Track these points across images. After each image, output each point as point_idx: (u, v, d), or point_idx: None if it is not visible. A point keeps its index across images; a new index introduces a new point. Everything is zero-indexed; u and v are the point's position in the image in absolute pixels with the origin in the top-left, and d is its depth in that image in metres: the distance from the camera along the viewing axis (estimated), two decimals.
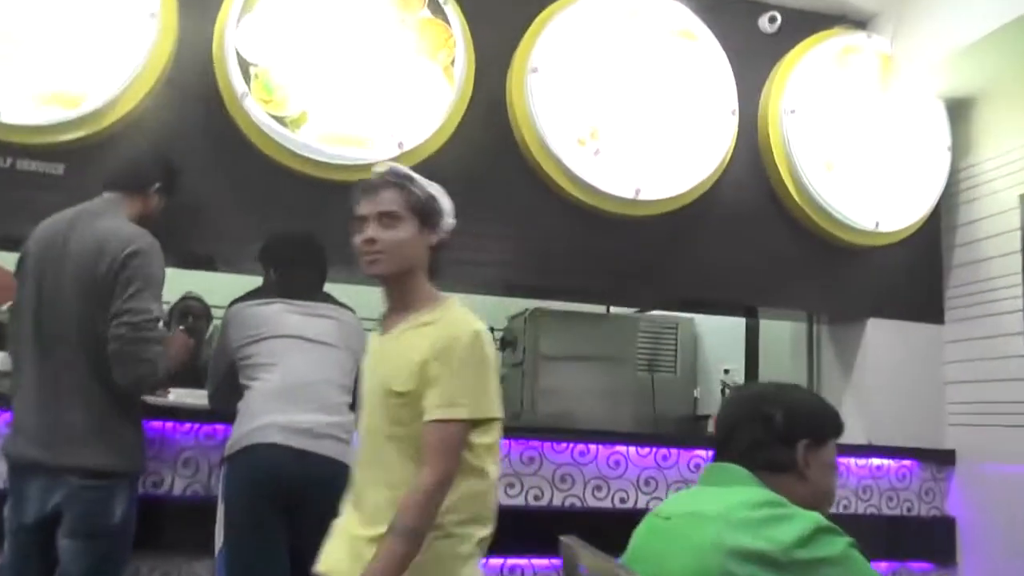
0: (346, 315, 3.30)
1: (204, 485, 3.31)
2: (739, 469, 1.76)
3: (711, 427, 4.23)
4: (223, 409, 3.12)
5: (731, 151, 4.21)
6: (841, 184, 4.22)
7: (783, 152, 4.22)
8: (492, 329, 5.58)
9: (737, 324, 5.33)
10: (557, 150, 3.87)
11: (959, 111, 4.45)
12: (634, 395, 5.40)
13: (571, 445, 3.85)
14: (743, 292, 4.29)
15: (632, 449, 3.93)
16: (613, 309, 6.23)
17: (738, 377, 5.43)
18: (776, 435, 1.78)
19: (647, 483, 3.93)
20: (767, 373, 5.22)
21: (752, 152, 4.30)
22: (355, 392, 2.75)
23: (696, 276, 4.20)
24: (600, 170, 3.92)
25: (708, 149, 4.09)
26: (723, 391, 4.57)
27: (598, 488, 3.86)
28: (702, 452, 4.02)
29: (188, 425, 3.37)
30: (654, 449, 3.96)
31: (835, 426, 1.90)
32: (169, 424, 3.35)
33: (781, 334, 5.25)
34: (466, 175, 3.71)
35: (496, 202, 3.94)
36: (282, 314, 3.18)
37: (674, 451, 3.97)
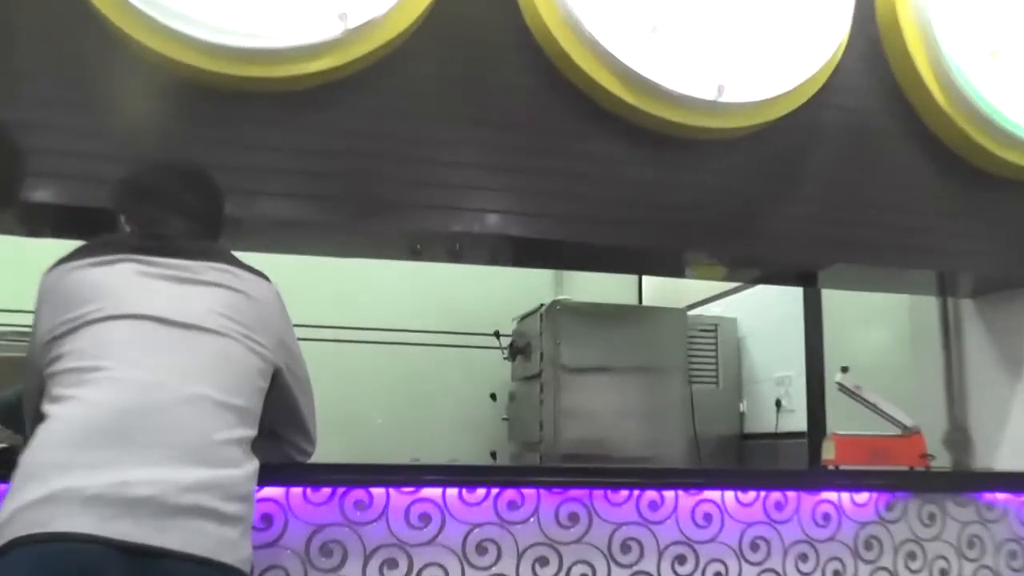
0: (254, 285, 1.81)
1: None
2: None
3: (832, 452, 2.66)
4: None
5: (846, 38, 2.65)
6: (1012, 80, 2.65)
7: (922, 32, 2.66)
8: (498, 334, 4.12)
9: (785, 320, 4.32)
10: (591, 28, 2.31)
11: None
12: (678, 414, 4.03)
13: (634, 493, 2.26)
14: (875, 249, 2.70)
15: (729, 496, 2.33)
16: (649, 298, 4.70)
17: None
18: None
19: (754, 547, 2.35)
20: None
21: (871, 40, 2.74)
22: (281, 415, 1.88)
23: (796, 229, 2.63)
24: (661, 57, 2.35)
25: (814, 36, 2.52)
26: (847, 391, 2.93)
27: (680, 560, 2.29)
28: (832, 496, 2.44)
29: None
30: (761, 494, 2.36)
31: None
32: None
33: (856, 312, 3.92)
34: (448, 72, 2.39)
35: (490, 109, 2.40)
36: (130, 279, 1.69)
37: (791, 495, 2.39)
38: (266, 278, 1.82)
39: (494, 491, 2.19)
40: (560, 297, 3.96)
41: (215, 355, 1.61)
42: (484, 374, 4.18)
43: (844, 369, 2.86)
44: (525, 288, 4.31)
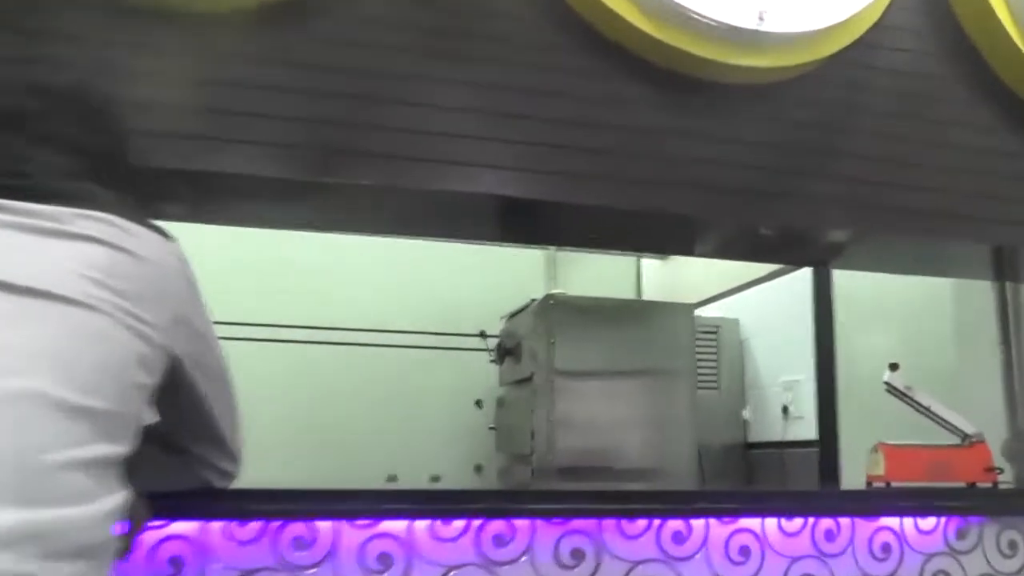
0: (147, 242, 1.23)
1: None
2: None
3: (881, 466, 2.16)
4: None
5: None
6: None
7: None
8: (483, 334, 3.60)
9: (792, 321, 3.90)
10: None
11: None
12: (685, 422, 3.62)
13: (654, 522, 1.74)
14: (927, 216, 2.20)
15: (771, 524, 1.81)
16: (651, 293, 4.22)
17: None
18: None
19: None
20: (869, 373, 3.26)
21: None
22: (188, 424, 1.35)
23: (838, 192, 2.13)
24: None
25: None
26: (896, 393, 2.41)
27: None
28: (892, 522, 1.93)
29: None
30: (809, 522, 1.85)
31: None
32: None
33: (878, 307, 3.52)
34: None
35: (480, 42, 1.89)
36: None
37: (844, 522, 1.88)
38: (166, 234, 1.28)
39: (475, 523, 1.67)
40: (554, 291, 3.46)
41: (70, 334, 1.07)
42: (469, 379, 3.67)
43: (893, 367, 2.35)
44: (514, 283, 3.82)
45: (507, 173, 1.84)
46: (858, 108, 2.15)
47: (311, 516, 1.61)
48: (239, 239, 3.66)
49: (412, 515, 1.64)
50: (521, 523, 1.67)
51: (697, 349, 4.56)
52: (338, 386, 3.72)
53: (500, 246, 4.02)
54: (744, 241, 2.42)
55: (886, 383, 2.36)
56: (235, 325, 3.63)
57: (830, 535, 1.91)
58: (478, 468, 3.54)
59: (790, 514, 1.87)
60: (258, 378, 3.66)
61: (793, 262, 3.18)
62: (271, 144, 1.80)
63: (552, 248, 3.97)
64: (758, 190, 2.03)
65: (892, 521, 1.96)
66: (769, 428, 4.21)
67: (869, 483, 2.27)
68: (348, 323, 3.72)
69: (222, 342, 1.33)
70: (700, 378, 4.23)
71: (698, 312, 5.05)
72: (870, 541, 1.93)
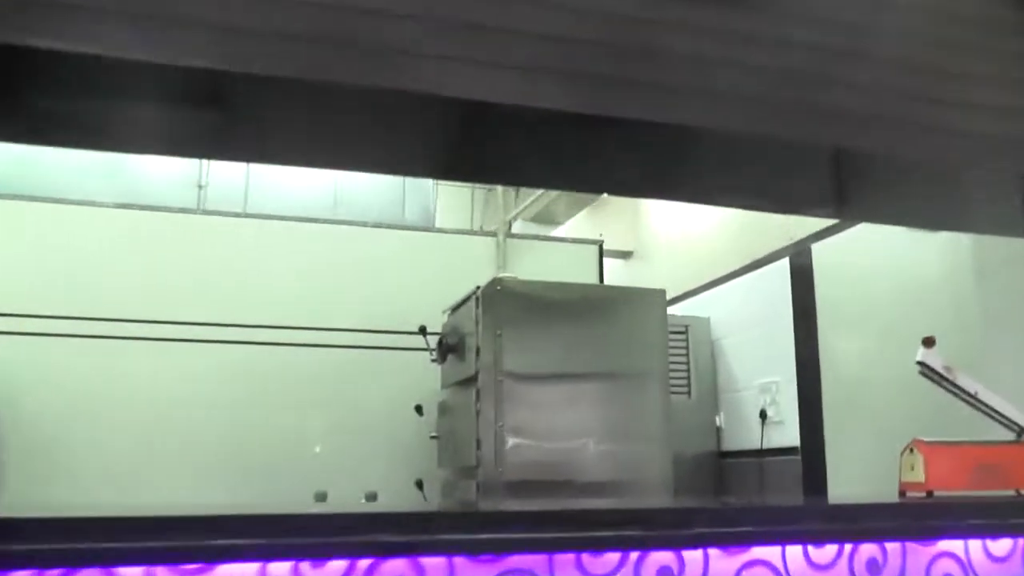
0: None
1: None
2: None
3: (920, 471, 1.59)
4: None
5: None
6: None
7: None
8: (424, 330, 2.95)
9: (768, 318, 3.51)
10: None
11: None
12: (658, 428, 3.06)
13: (631, 556, 1.13)
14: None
15: (793, 553, 1.22)
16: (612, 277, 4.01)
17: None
18: None
19: None
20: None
21: None
22: None
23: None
24: None
25: None
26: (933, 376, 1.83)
27: None
28: (955, 545, 1.35)
29: None
30: (846, 549, 1.26)
31: None
32: None
33: (871, 290, 3.00)
34: None
35: None
36: None
37: (892, 547, 1.29)
38: None
39: (362, 563, 1.07)
40: (502, 275, 2.86)
41: None
42: (410, 382, 3.05)
43: (928, 342, 1.79)
44: (461, 272, 3.22)
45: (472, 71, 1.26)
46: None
47: (109, 561, 1.00)
48: (136, 228, 3.07)
49: (266, 555, 1.04)
50: (432, 562, 1.07)
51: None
52: (262, 391, 3.09)
53: (446, 233, 3.44)
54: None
55: (920, 363, 1.81)
56: (146, 324, 3.01)
57: (874, 566, 1.34)
58: (419, 484, 2.93)
59: (820, 539, 1.29)
60: (169, 382, 3.05)
61: (809, 205, 2.57)
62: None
63: (501, 235, 3.40)
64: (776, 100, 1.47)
65: (955, 545, 1.40)
66: (745, 435, 3.74)
67: (902, 493, 1.71)
68: (274, 320, 3.10)
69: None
70: (670, 382, 3.88)
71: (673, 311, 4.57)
72: (927, 573, 1.37)
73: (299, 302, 3.20)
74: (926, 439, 1.70)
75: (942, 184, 1.83)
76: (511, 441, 2.57)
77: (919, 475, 1.66)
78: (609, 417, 2.75)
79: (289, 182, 3.73)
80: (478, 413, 2.61)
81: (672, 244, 4.81)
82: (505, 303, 2.65)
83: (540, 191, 4.30)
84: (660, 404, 2.91)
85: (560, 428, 2.68)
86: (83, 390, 2.92)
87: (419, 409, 2.88)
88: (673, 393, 3.91)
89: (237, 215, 3.31)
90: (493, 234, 3.42)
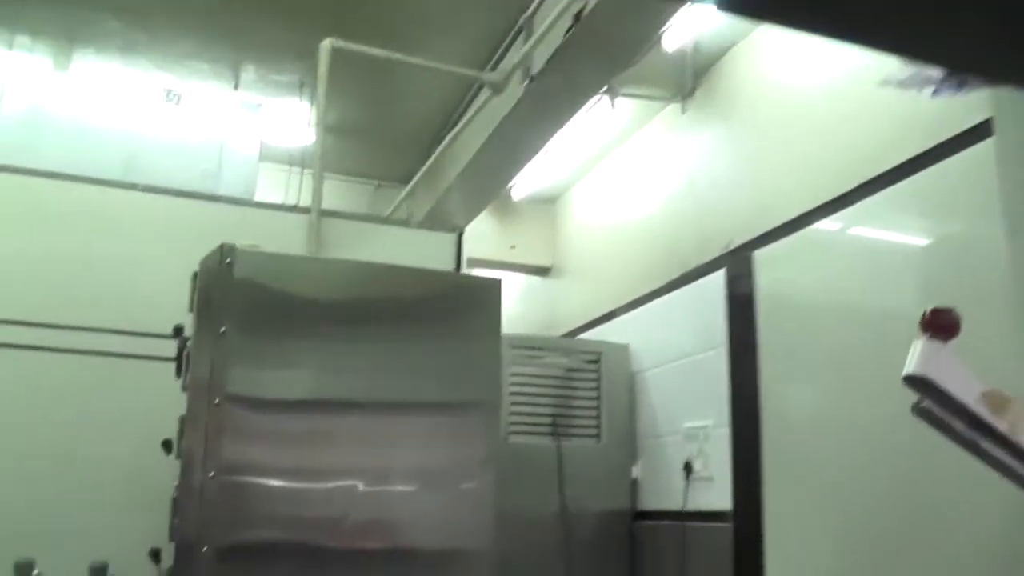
0: None
1: None
2: None
3: None
4: None
5: None
6: None
7: None
8: (180, 332, 1.91)
9: (696, 348, 2.78)
10: None
11: None
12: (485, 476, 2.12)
13: None
14: None
15: None
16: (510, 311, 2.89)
17: None
18: None
19: None
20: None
21: None
22: None
23: None
24: None
25: None
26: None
27: None
28: None
29: None
30: None
31: None
32: None
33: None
34: None
35: None
36: None
37: None
38: None
39: None
40: (240, 243, 1.78)
41: None
42: (160, 404, 1.99)
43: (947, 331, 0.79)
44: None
45: None
46: None
47: None
48: None
49: None
50: None
51: (572, 384, 3.16)
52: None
53: (232, 204, 2.47)
54: None
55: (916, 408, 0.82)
56: None
57: None
58: (155, 555, 1.86)
59: None
60: None
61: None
62: None
63: (314, 213, 2.39)
64: None
65: None
66: (666, 491, 2.91)
67: None
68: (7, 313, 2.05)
69: None
70: (575, 422, 3.10)
71: (578, 337, 3.67)
72: None
73: (27, 292, 2.16)
74: None
75: None
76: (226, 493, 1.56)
77: None
78: (392, 460, 1.74)
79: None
80: (188, 453, 1.60)
81: (597, 256, 3.92)
82: (235, 288, 1.65)
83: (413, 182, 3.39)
84: (485, 438, 1.89)
85: (307, 473, 1.69)
86: None
87: (167, 445, 1.84)
88: (578, 436, 3.11)
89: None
90: (306, 211, 2.43)
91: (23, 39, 3.16)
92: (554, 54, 2.59)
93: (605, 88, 3.09)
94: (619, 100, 3.32)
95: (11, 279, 2.15)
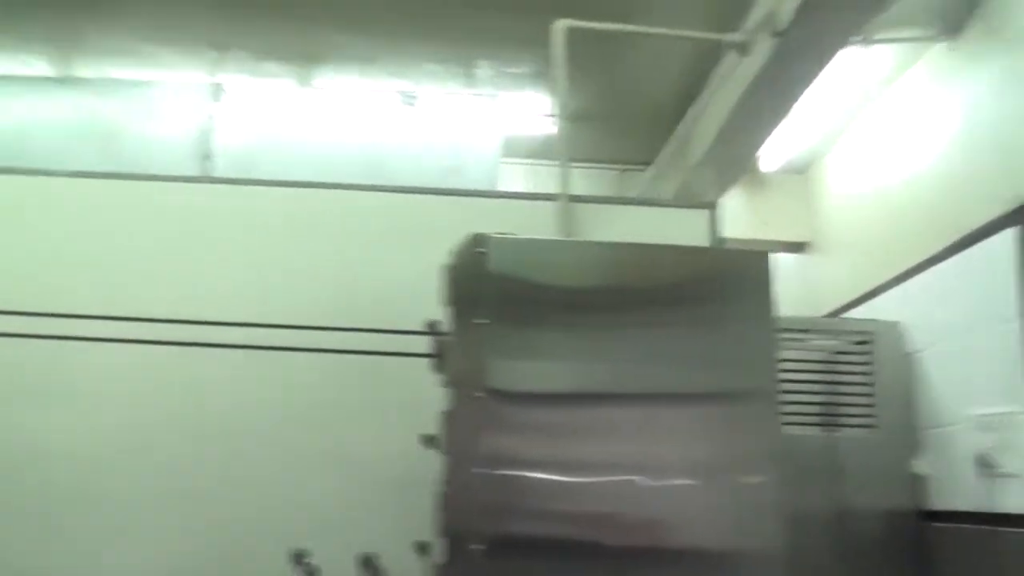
0: None
1: None
2: None
3: None
4: None
5: None
6: None
7: None
8: (433, 328, 1.86)
9: (984, 321, 2.41)
10: None
11: None
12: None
13: None
14: None
15: None
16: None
17: None
18: None
19: None
20: None
21: None
22: None
23: None
24: None
25: None
26: None
27: None
28: None
29: None
30: None
31: None
32: None
33: None
34: None
35: None
36: None
37: None
38: None
39: None
40: (498, 233, 1.62)
41: None
42: (418, 401, 1.93)
43: None
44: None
45: None
46: None
47: None
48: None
49: None
50: None
51: (840, 369, 2.84)
52: (216, 411, 2.13)
53: (477, 196, 2.39)
54: None
55: None
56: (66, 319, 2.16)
57: None
58: (422, 548, 1.81)
59: None
60: (99, 396, 2.08)
61: None
62: None
63: (563, 200, 2.24)
64: None
65: None
66: (962, 490, 2.56)
67: None
68: (238, 319, 2.11)
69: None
70: (846, 411, 2.79)
71: (842, 316, 3.37)
72: None
73: (266, 296, 2.22)
74: None
75: None
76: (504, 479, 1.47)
77: None
78: (664, 454, 1.56)
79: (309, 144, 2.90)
80: (451, 447, 1.51)
81: (859, 226, 3.57)
82: (491, 278, 1.53)
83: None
84: (767, 431, 1.64)
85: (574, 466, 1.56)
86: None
87: (430, 440, 1.80)
88: (851, 427, 2.80)
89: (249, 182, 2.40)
90: (553, 197, 2.30)
91: (269, 66, 3.37)
92: (803, 3, 2.38)
93: (859, 36, 2.78)
94: (873, 49, 2.96)
95: (277, 288, 2.24)
